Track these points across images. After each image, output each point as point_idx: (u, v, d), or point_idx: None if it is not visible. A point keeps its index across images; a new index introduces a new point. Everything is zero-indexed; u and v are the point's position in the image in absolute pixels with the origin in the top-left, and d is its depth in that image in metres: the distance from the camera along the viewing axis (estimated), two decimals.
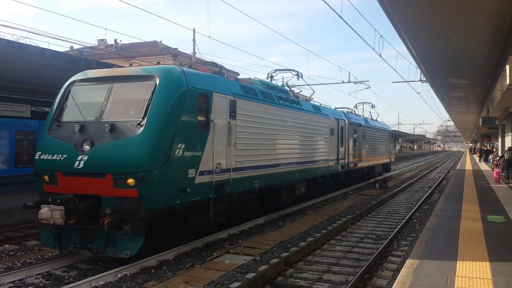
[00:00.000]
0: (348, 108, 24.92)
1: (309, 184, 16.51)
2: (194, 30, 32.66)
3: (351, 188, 22.50)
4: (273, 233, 11.54)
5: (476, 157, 59.44)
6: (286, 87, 16.62)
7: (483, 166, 38.08)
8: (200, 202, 9.59)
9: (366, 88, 32.80)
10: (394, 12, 10.59)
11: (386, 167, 32.24)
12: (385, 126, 31.95)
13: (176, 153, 8.58)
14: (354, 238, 11.24)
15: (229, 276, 7.83)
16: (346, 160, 20.75)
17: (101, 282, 7.27)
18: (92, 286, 7.09)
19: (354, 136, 22.35)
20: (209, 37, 40.89)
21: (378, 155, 28.21)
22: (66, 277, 8.02)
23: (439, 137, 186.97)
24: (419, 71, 25.39)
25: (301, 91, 22.49)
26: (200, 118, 9.46)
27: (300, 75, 17.24)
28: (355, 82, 32.27)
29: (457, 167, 39.40)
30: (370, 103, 31.40)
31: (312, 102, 19.07)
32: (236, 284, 7.34)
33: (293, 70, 17.07)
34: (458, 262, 7.24)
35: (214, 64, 13.27)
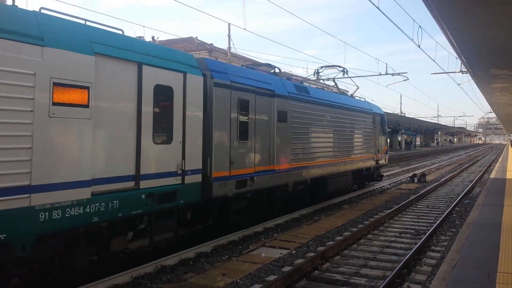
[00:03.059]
0: (274, 69, 13.90)
1: None
2: (229, 24, 32.78)
3: (388, 182, 22.14)
4: (308, 227, 11.54)
5: None
6: None
7: None
8: None
9: (404, 80, 31.96)
10: (433, 1, 10.32)
11: (367, 176, 19.08)
12: (365, 106, 18.62)
13: None
14: (391, 233, 11.09)
15: (265, 269, 7.91)
16: (195, 174, 8.73)
17: (142, 274, 7.48)
18: (132, 277, 7.30)
19: (246, 116, 10.36)
20: (245, 29, 40.82)
21: (344, 156, 15.75)
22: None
23: (480, 130, 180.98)
24: (459, 62, 24.68)
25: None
26: None
27: None
28: (392, 74, 31.51)
29: (499, 161, 38.09)
30: (340, 66, 18.56)
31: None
32: (273, 277, 7.40)
33: None
34: (500, 258, 7.05)
35: None
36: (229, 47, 35.91)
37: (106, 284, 6.87)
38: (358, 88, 21.87)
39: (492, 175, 22.99)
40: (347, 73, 18.57)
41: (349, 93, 21.34)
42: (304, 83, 15.78)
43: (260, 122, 10.93)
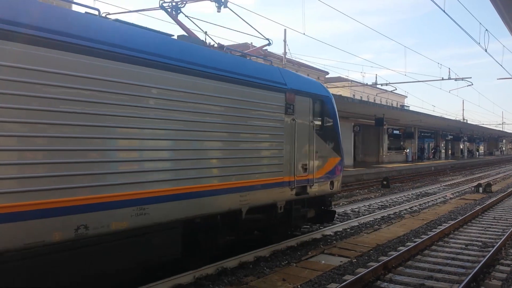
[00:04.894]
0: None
1: None
2: (285, 30, 33.06)
3: (451, 192, 21.29)
4: (368, 235, 11.29)
5: None
6: None
7: None
8: None
9: (468, 85, 30.67)
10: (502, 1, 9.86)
11: (273, 221, 9.41)
12: (263, 74, 8.80)
13: None
14: (457, 245, 10.62)
15: (325, 277, 7.81)
16: None
17: (204, 274, 7.60)
18: (195, 277, 7.44)
19: None
20: (304, 34, 40.82)
21: (152, 186, 6.34)
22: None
23: None
24: None
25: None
26: None
27: None
28: (455, 79, 30.31)
29: None
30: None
31: None
32: (334, 285, 7.29)
33: None
34: None
35: None
36: (285, 53, 35.98)
37: (170, 284, 7.03)
38: (270, 43, 10.74)
39: None
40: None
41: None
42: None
43: None
